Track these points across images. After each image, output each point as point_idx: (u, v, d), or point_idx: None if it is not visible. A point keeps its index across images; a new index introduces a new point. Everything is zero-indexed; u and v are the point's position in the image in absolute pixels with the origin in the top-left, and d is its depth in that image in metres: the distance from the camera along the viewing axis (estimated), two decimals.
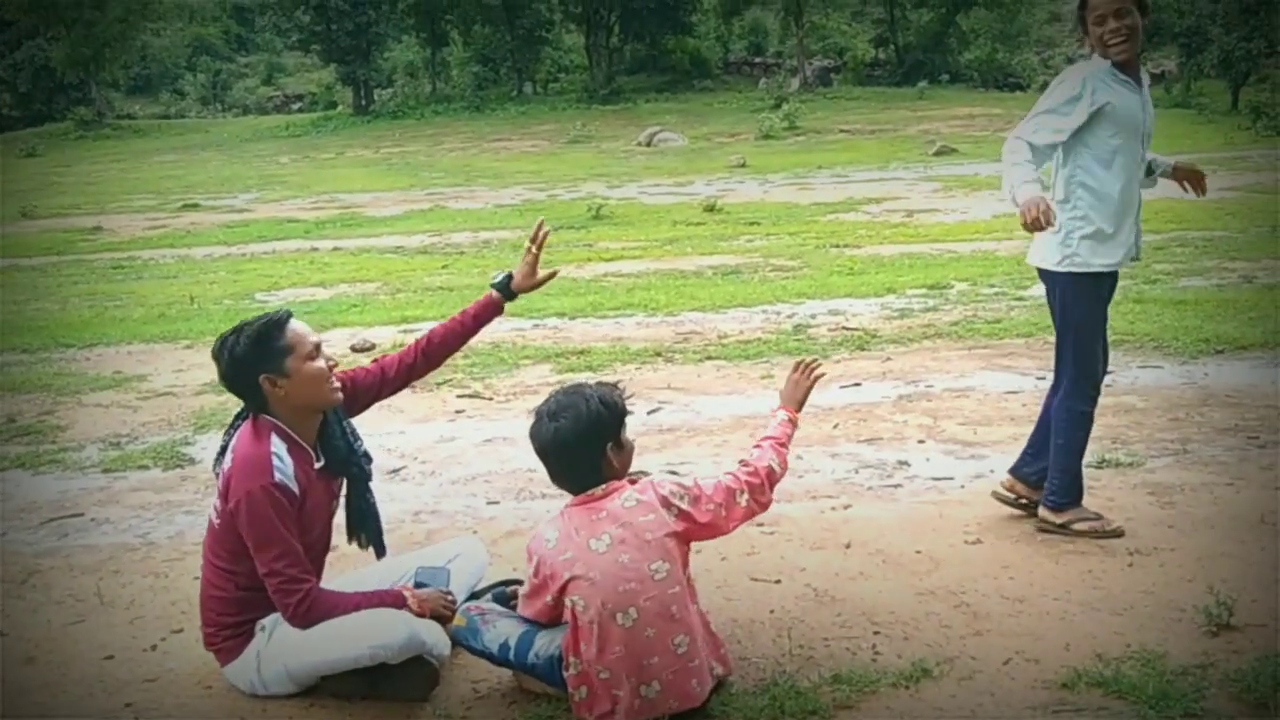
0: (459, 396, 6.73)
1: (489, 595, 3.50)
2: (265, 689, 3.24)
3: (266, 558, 3.14)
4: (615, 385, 3.20)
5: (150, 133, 39.73)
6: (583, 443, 3.01)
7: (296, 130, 39.90)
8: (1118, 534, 4.20)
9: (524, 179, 23.49)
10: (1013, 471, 4.47)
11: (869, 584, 3.84)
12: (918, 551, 4.11)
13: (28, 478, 5.54)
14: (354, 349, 8.02)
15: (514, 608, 3.40)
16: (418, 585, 3.42)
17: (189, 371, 7.61)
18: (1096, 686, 3.07)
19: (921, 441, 5.49)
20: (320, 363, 3.25)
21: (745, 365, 7.18)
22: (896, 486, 4.91)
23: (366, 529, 3.54)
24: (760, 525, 4.41)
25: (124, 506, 5.06)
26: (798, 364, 3.46)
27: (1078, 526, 4.21)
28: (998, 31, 46.08)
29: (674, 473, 3.67)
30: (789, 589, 3.82)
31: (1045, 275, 4.21)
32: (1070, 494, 4.26)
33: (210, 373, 6.75)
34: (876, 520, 4.47)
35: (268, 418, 3.23)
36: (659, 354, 7.53)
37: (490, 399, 6.65)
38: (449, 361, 3.82)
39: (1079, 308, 4.14)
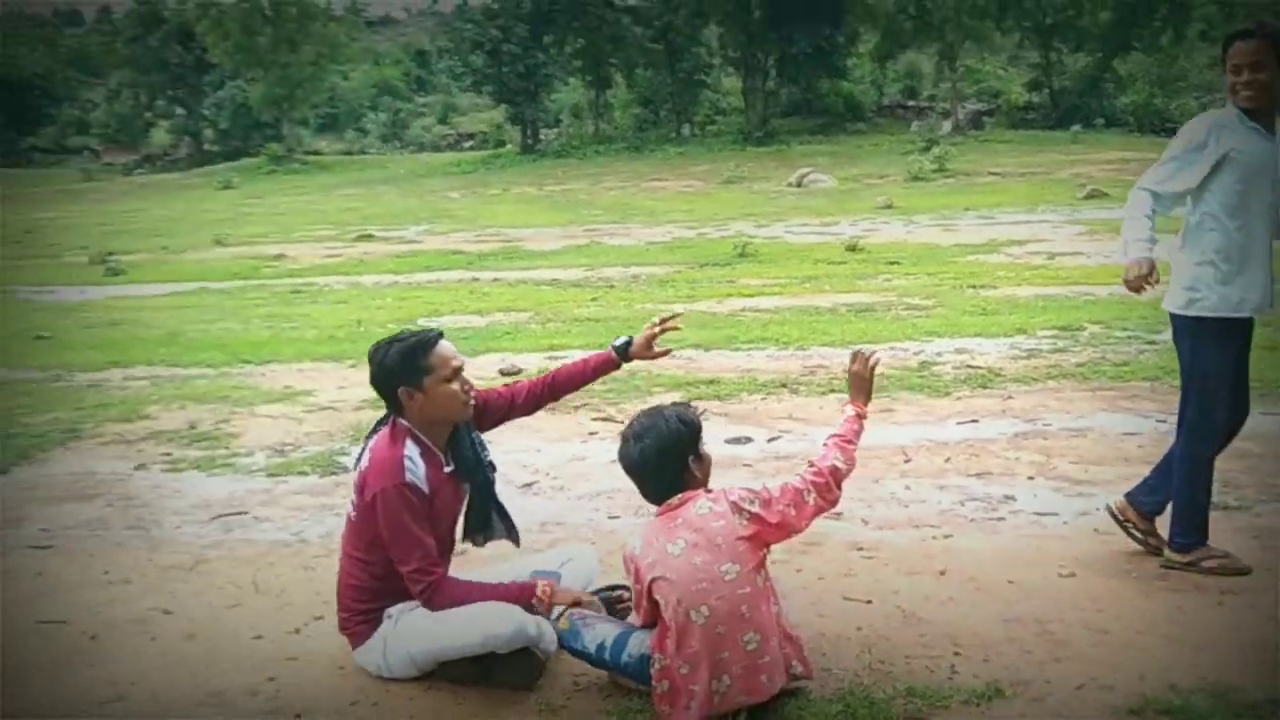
0: (593, 419, 6.96)
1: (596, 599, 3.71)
2: (390, 672, 3.50)
3: (400, 550, 3.41)
4: (689, 404, 3.41)
5: (334, 168, 41.61)
6: (665, 459, 3.21)
7: (467, 167, 41.27)
8: (1245, 572, 4.17)
9: (677, 217, 23.81)
10: (1129, 496, 4.47)
11: (957, 609, 3.91)
12: (1010, 581, 4.15)
13: (202, 478, 5.98)
14: (501, 373, 8.33)
15: (618, 612, 3.63)
16: None
17: (351, 389, 8.03)
18: (1165, 714, 3.10)
19: (1031, 478, 5.49)
20: (456, 386, 3.51)
21: None
22: (1000, 520, 4.93)
23: (489, 529, 3.78)
24: (860, 549, 4.53)
25: (283, 507, 5.43)
26: (854, 355, 3.53)
27: (1206, 564, 4.19)
28: (1155, 76, 44.67)
29: None
30: (879, 609, 3.91)
31: (1173, 319, 4.23)
32: (1194, 534, 4.22)
33: (370, 391, 7.21)
34: (975, 550, 4.52)
35: (404, 423, 3.51)
36: (784, 385, 7.65)
37: (621, 422, 6.85)
38: (588, 388, 4.06)
39: (1203, 353, 4.13)
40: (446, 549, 3.63)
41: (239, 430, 6.99)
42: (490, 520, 3.78)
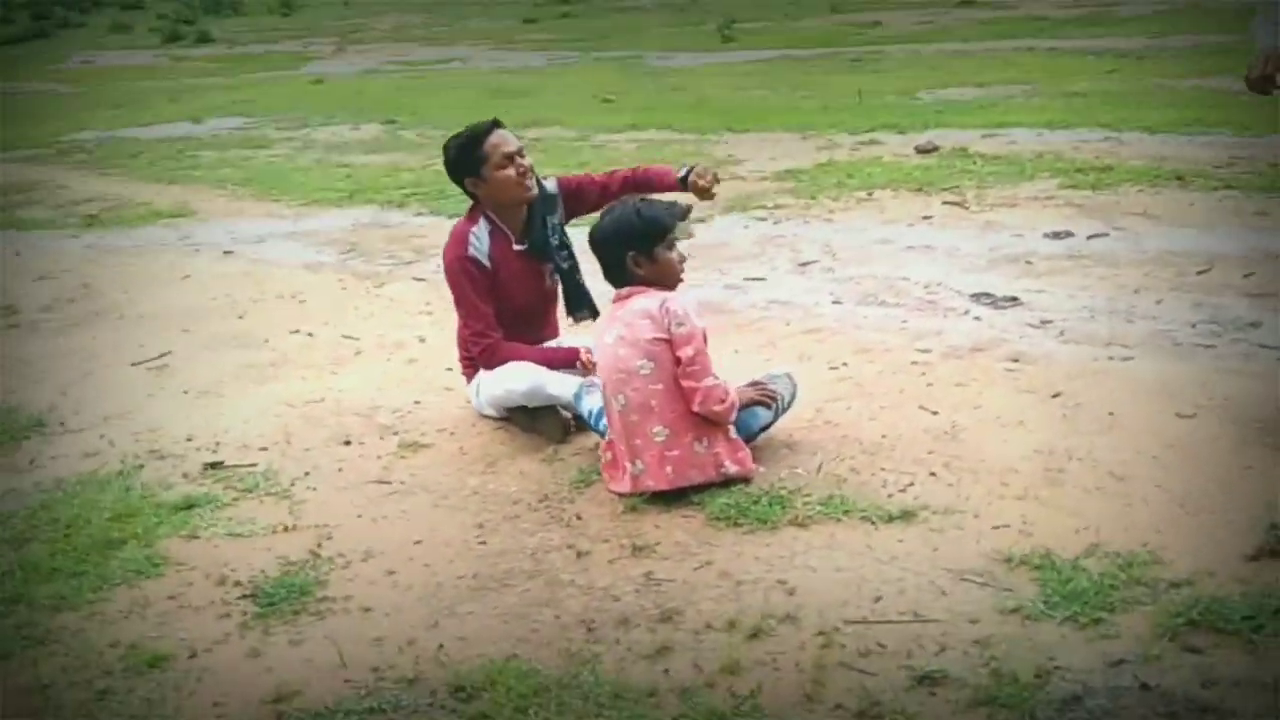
0: (943, 203, 6.71)
1: None
2: (481, 409, 4.11)
3: (460, 313, 3.98)
4: (674, 204, 3.42)
5: None
6: (609, 245, 3.37)
7: None
8: None
9: None
10: None
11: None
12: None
13: None
14: (918, 149, 8.15)
15: None
16: None
17: (780, 160, 8.34)
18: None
19: None
20: (510, 171, 3.88)
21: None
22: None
23: (582, 309, 4.16)
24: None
25: None
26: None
27: None
28: None
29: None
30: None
31: None
32: None
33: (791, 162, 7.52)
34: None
35: (480, 206, 3.97)
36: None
37: (967, 208, 6.56)
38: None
39: None
40: (522, 318, 4.05)
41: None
42: (582, 299, 4.14)
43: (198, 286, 6.33)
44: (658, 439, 3.28)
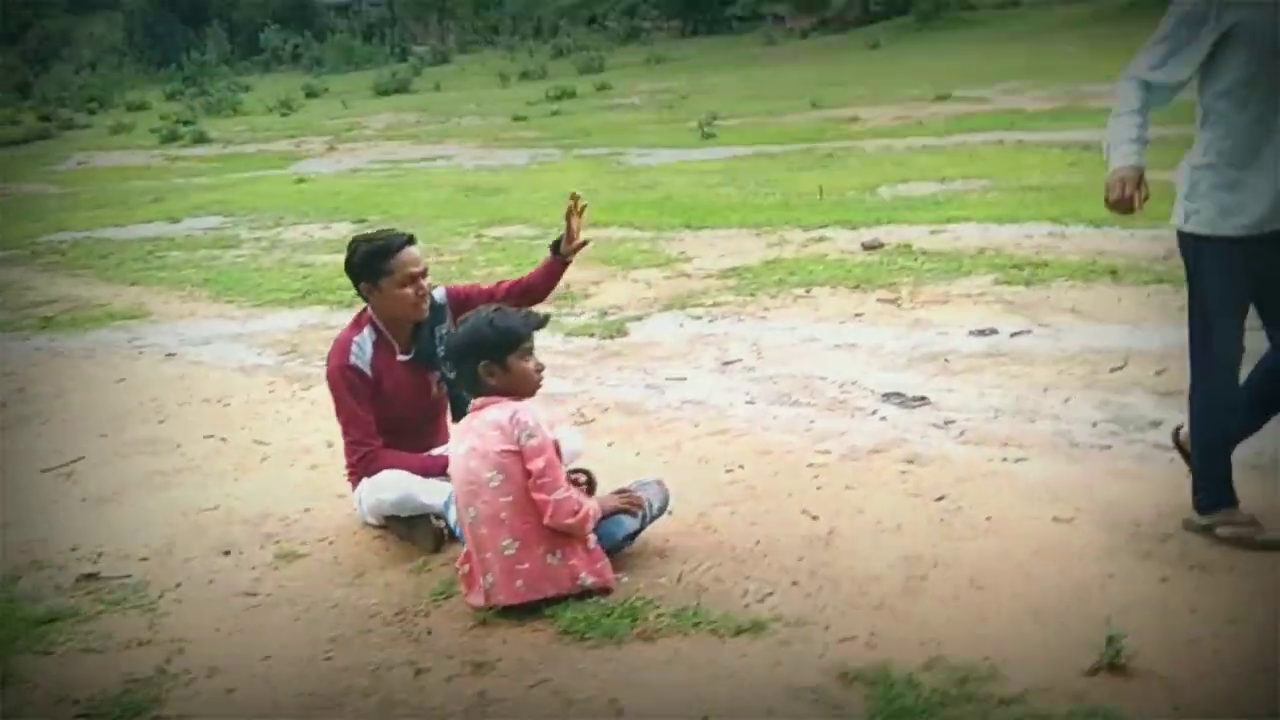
0: (877, 301, 6.71)
1: None
2: (364, 517, 4.06)
3: (340, 420, 3.96)
4: (531, 313, 3.40)
5: (985, 23, 39.57)
6: (463, 353, 3.35)
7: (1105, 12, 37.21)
8: (1273, 546, 3.31)
9: None
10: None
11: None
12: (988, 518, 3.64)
13: None
14: (864, 246, 8.18)
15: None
16: None
17: (728, 257, 8.38)
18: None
19: None
20: (409, 290, 3.88)
21: None
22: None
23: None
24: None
25: None
26: None
27: (1221, 532, 3.40)
28: None
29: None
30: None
31: (1178, 235, 3.37)
32: (1215, 493, 3.42)
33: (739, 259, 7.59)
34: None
35: (370, 311, 3.97)
36: None
37: (899, 306, 6.56)
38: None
39: (1203, 278, 3.27)
40: (409, 427, 4.03)
41: (591, 291, 7.70)
42: (465, 409, 4.11)
43: (130, 390, 6.32)
44: (507, 552, 3.22)
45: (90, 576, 3.81)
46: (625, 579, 3.39)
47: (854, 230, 8.91)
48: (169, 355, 7.11)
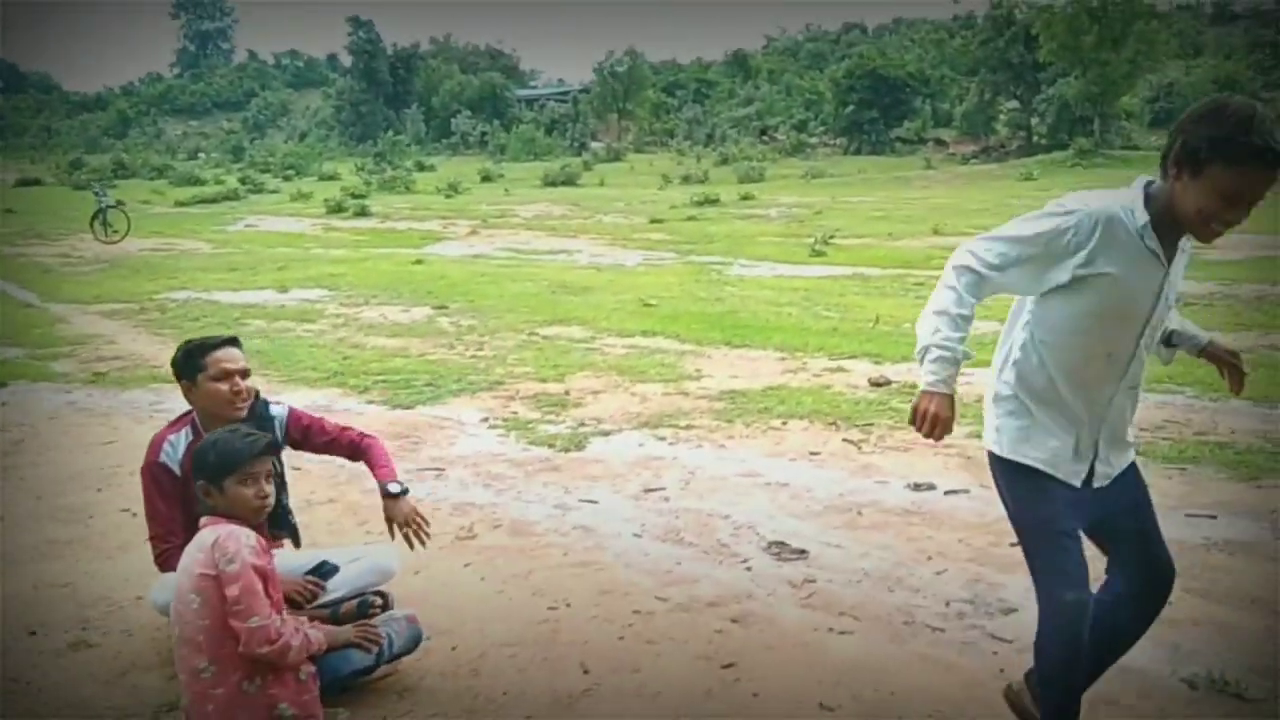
0: (842, 440, 6.40)
1: (356, 601, 3.83)
2: (158, 609, 3.97)
3: (146, 516, 3.93)
4: (256, 438, 3.28)
5: (1151, 163, 38.20)
6: (192, 471, 3.27)
7: None
8: None
9: None
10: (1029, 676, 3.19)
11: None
12: None
13: (484, 431, 6.74)
14: (871, 381, 7.87)
15: (367, 615, 3.73)
16: (312, 571, 3.89)
17: (738, 379, 8.19)
18: None
19: None
20: (223, 386, 3.88)
21: None
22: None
23: (283, 527, 4.08)
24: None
25: (463, 467, 6.01)
26: None
27: None
28: None
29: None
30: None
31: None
32: None
33: (745, 383, 7.44)
34: None
35: (193, 411, 3.98)
36: None
37: (859, 448, 6.23)
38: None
39: (1018, 504, 2.93)
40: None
41: (586, 401, 7.61)
42: (283, 520, 4.06)
43: (109, 453, 6.52)
44: (203, 675, 3.11)
45: None
46: (344, 713, 3.24)
47: (877, 364, 8.61)
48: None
